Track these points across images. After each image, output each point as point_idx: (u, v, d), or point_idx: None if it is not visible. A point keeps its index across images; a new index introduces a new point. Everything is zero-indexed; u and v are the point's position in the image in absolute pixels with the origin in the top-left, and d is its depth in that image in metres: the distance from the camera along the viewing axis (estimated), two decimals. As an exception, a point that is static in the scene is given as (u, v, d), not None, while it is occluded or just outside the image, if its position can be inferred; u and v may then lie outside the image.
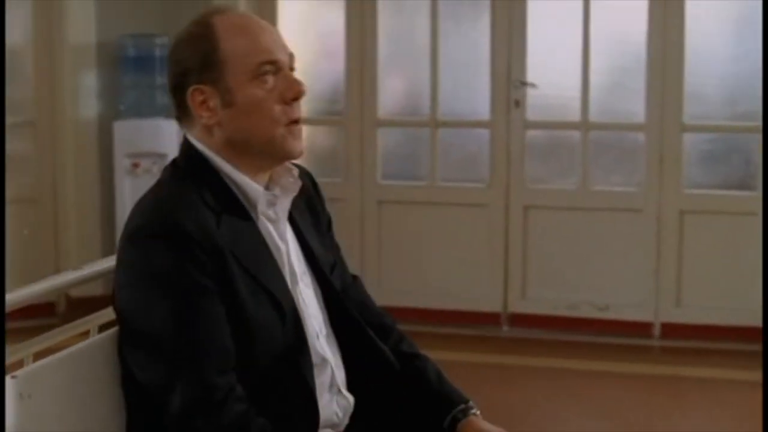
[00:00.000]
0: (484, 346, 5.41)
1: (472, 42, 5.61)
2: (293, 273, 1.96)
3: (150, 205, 1.86)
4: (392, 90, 5.82)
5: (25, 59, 5.76)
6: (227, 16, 1.93)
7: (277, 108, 1.90)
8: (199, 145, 1.93)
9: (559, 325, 5.48)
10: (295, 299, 1.94)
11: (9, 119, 5.79)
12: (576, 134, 5.48)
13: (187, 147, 1.95)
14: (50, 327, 2.04)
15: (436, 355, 2.20)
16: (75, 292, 5.39)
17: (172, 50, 1.96)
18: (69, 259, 5.79)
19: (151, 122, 5.60)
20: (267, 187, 1.97)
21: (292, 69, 1.96)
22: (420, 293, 5.68)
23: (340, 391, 2.02)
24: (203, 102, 1.90)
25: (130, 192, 5.58)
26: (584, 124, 5.44)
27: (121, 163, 5.59)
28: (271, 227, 1.95)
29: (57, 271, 5.77)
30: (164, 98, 5.64)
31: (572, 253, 5.49)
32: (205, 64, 1.89)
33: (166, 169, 1.97)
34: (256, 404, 1.83)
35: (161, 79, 5.64)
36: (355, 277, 2.19)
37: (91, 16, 5.69)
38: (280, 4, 5.78)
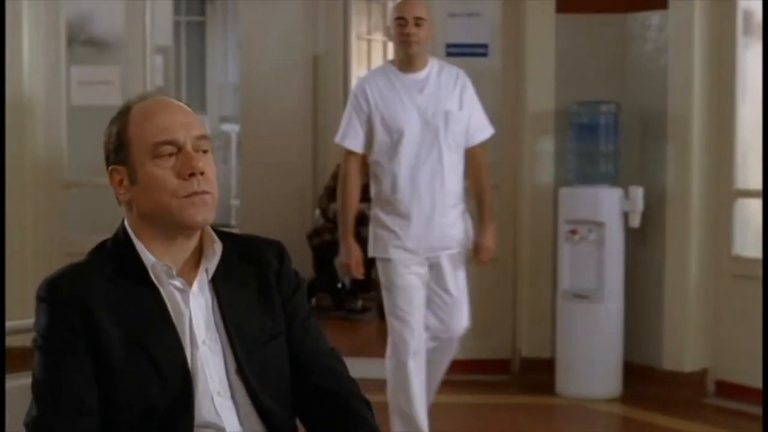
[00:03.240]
0: None
1: None
2: (194, 338, 2.11)
3: (51, 275, 2.13)
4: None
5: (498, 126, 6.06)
6: (144, 101, 2.15)
7: (174, 182, 2.06)
8: (126, 221, 2.18)
9: None
10: (191, 362, 2.08)
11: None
12: None
13: (120, 224, 2.19)
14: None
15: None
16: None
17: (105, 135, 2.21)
18: (522, 318, 6.00)
19: (592, 190, 5.60)
20: (199, 258, 2.14)
21: (198, 148, 2.10)
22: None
23: None
24: (120, 181, 2.12)
25: (568, 259, 5.63)
26: None
27: (563, 228, 5.65)
28: (178, 295, 2.12)
29: (513, 327, 6.02)
30: (608, 166, 5.63)
31: None
32: (117, 145, 2.12)
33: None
34: None
35: (606, 147, 5.62)
36: (332, 350, 2.27)
37: (551, 84, 5.85)
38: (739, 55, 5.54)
